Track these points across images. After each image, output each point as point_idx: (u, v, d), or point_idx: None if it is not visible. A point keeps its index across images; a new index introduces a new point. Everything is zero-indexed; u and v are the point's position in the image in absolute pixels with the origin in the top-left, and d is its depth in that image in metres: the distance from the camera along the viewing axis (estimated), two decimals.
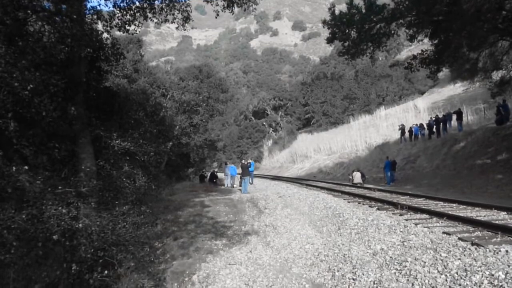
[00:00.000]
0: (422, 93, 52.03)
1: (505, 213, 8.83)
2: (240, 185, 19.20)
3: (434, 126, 23.93)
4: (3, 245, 5.36)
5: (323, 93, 60.71)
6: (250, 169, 20.28)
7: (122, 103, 10.69)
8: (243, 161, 21.15)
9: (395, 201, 11.61)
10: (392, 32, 17.21)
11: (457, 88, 38.22)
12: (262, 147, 65.63)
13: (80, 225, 6.26)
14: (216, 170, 28.65)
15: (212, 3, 9.88)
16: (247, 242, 9.77)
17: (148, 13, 9.73)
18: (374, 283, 5.96)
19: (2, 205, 5.54)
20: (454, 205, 10.56)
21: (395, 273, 6.02)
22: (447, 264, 5.63)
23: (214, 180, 23.75)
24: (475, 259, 5.52)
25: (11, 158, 6.22)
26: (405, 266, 6.05)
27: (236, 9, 10.39)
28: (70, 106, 7.82)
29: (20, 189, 5.75)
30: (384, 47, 19.38)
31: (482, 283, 4.88)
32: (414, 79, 53.63)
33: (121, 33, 10.07)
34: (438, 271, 5.54)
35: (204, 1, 10.05)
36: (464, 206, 10.16)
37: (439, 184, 16.96)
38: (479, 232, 7.02)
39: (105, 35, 9.49)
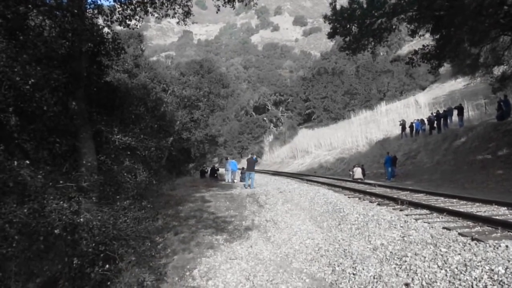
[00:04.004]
0: (423, 88, 51.95)
1: (505, 208, 8.83)
2: (241, 181, 19.20)
3: (435, 122, 23.88)
4: (5, 239, 5.39)
5: (324, 88, 60.53)
6: None
7: (123, 98, 10.69)
8: (250, 155, 20.68)
9: (395, 196, 11.62)
10: (394, 27, 17.18)
11: (458, 84, 38.18)
12: (262, 143, 65.56)
13: (81, 219, 6.27)
14: (216, 165, 28.62)
15: None
16: (247, 237, 9.80)
17: (148, 8, 9.70)
18: (374, 278, 6.00)
19: (4, 199, 5.57)
20: (455, 200, 10.57)
21: (395, 268, 6.05)
22: (447, 259, 5.65)
23: (215, 175, 23.79)
24: (475, 254, 5.54)
25: (12, 153, 6.23)
26: (405, 261, 6.08)
27: (237, 4, 10.36)
28: (71, 100, 7.84)
29: (21, 184, 5.76)
30: (385, 42, 19.39)
31: (482, 278, 4.90)
32: (415, 74, 53.50)
33: (122, 27, 10.05)
34: (438, 266, 5.56)
35: None
36: (465, 202, 10.17)
37: (440, 179, 16.97)
38: (479, 228, 7.03)
39: (105, 29, 9.44)
